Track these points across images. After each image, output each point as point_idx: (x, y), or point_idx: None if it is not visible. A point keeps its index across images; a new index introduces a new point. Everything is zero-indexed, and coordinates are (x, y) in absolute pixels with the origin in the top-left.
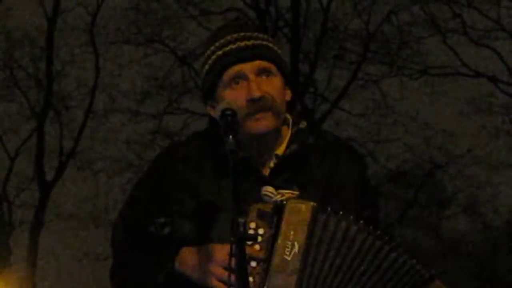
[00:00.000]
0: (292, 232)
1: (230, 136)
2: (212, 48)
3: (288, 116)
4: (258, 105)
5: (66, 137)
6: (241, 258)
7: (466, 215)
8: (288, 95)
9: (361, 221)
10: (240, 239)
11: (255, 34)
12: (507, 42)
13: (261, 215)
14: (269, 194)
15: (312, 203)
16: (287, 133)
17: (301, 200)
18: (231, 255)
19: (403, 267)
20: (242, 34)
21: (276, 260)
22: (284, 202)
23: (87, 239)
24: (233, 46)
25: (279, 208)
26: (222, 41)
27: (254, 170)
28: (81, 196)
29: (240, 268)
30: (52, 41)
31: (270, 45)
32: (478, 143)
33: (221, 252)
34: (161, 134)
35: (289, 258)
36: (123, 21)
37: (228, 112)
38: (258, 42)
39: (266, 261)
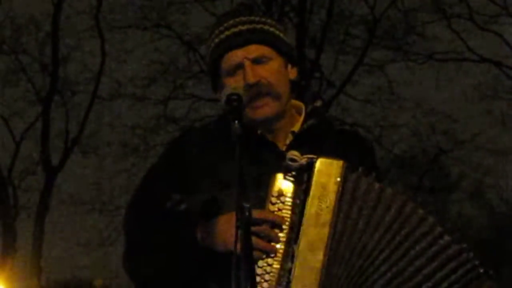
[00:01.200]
0: (323, 187)
1: (236, 121)
2: (213, 35)
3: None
4: (254, 90)
5: (71, 122)
6: (247, 243)
7: (472, 200)
8: (293, 73)
9: (397, 188)
10: (246, 224)
11: (251, 18)
12: None
13: (289, 178)
14: (295, 157)
15: (342, 161)
16: (302, 111)
17: (331, 159)
18: (236, 238)
19: (458, 257)
20: (237, 19)
21: (308, 213)
22: (314, 160)
23: (92, 224)
24: (228, 33)
25: (308, 166)
26: (221, 28)
27: (271, 145)
28: (87, 181)
29: (246, 252)
30: (58, 26)
31: (266, 27)
32: (484, 128)
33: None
34: (167, 119)
35: (321, 212)
36: (129, 6)
37: (234, 97)
38: (252, 26)
39: (299, 215)
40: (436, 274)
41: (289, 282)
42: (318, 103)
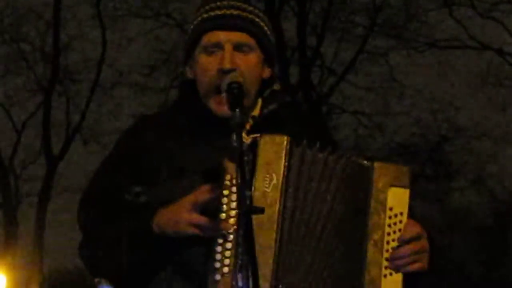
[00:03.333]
0: (269, 164)
1: (237, 110)
2: (202, 10)
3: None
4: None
5: (73, 110)
6: (248, 231)
7: (473, 188)
8: (267, 73)
9: (337, 150)
10: (247, 212)
11: (245, 5)
12: None
13: (234, 160)
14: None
15: (286, 136)
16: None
17: (274, 134)
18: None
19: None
20: (232, 2)
21: (256, 193)
22: (258, 138)
23: None
24: (218, 12)
25: (253, 145)
26: (212, 5)
27: (229, 130)
28: (88, 170)
29: (247, 240)
30: (59, 14)
31: (257, 19)
32: (485, 115)
33: (188, 199)
34: None
35: (268, 190)
36: None
37: (235, 85)
38: (244, 14)
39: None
40: None
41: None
42: (277, 87)
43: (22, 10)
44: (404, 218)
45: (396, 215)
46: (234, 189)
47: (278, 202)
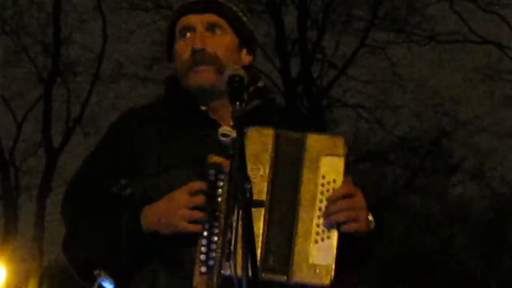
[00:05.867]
0: (255, 156)
1: (238, 103)
2: (177, 4)
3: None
4: (198, 56)
5: (73, 103)
6: (247, 224)
7: (473, 182)
8: (246, 59)
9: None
10: (246, 205)
11: None
12: None
13: (223, 153)
14: (227, 132)
15: (271, 128)
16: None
17: (261, 127)
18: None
19: None
20: None
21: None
22: (244, 131)
23: None
24: (188, 1)
25: (241, 137)
26: None
27: (214, 123)
28: None
29: (247, 233)
30: (60, 7)
31: (229, 4)
32: (486, 110)
33: (182, 194)
34: None
35: (255, 181)
36: None
37: (236, 78)
38: None
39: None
40: None
41: (231, 252)
42: (261, 84)
43: (23, 2)
44: (338, 185)
45: (329, 183)
46: (221, 183)
47: (265, 193)
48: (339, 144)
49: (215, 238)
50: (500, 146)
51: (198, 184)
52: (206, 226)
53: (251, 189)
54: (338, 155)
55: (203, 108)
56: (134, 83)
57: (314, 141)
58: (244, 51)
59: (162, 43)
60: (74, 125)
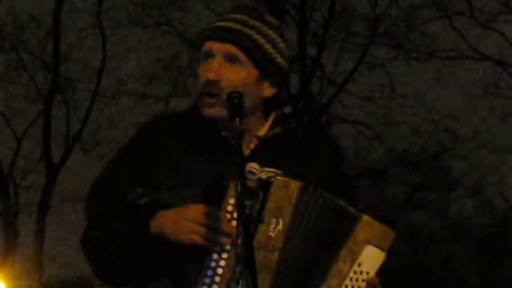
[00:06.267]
0: (277, 209)
1: (237, 119)
2: (211, 22)
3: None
4: (208, 87)
5: (72, 119)
6: (247, 240)
7: (473, 198)
8: (268, 91)
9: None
10: (246, 221)
11: (250, 20)
12: None
13: (244, 191)
14: (254, 170)
15: (299, 182)
16: (271, 116)
17: (289, 178)
18: (237, 234)
19: (333, 213)
20: (238, 16)
21: (259, 235)
22: (272, 178)
23: None
24: (219, 24)
25: (266, 184)
26: (221, 17)
27: (234, 149)
28: (88, 179)
29: (247, 250)
30: (59, 23)
31: (255, 36)
32: (485, 126)
33: (196, 209)
34: None
35: (272, 235)
36: (129, 3)
37: (235, 95)
38: (241, 28)
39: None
40: None
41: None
42: (287, 110)
43: (22, 19)
44: (369, 278)
45: (361, 272)
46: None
47: (279, 250)
48: (389, 238)
49: (225, 256)
50: (500, 162)
51: (213, 209)
52: (216, 248)
53: (251, 205)
54: (382, 249)
55: (223, 133)
56: (133, 99)
57: (367, 224)
58: (266, 84)
59: (161, 60)
60: (74, 141)
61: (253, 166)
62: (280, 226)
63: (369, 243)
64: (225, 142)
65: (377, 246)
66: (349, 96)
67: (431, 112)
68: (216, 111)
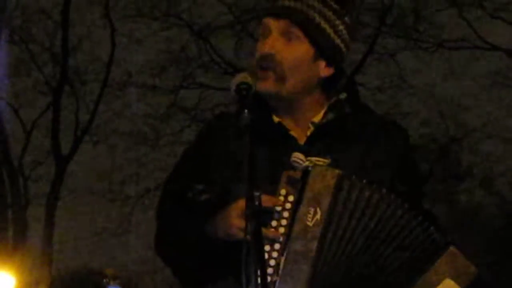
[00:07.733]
0: (315, 199)
1: (246, 111)
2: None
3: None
4: (262, 61)
5: (82, 111)
6: (256, 232)
7: (482, 189)
8: (325, 71)
9: (385, 191)
10: (255, 213)
11: (310, 1)
12: None
13: (290, 182)
14: (298, 160)
15: (337, 171)
16: (326, 102)
17: (327, 167)
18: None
19: (420, 235)
20: None
21: (297, 226)
22: (310, 168)
23: (103, 214)
24: (273, 3)
25: (305, 174)
26: None
27: (290, 137)
28: (97, 171)
29: (256, 242)
30: (68, 15)
31: (313, 13)
32: (495, 117)
33: (237, 204)
34: (177, 108)
35: (310, 224)
36: None
37: (244, 86)
38: (299, 6)
39: (288, 227)
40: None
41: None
42: (343, 96)
43: (31, 11)
44: None
45: None
46: (288, 205)
47: (318, 240)
48: (470, 274)
49: (275, 255)
50: (509, 152)
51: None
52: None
53: (260, 196)
54: (459, 284)
55: (276, 119)
56: (142, 91)
57: (452, 256)
58: (322, 63)
59: (170, 51)
60: (83, 133)
61: (297, 156)
62: (318, 216)
63: (450, 276)
64: (278, 130)
65: (456, 281)
66: (358, 87)
67: (440, 102)
68: (267, 85)
